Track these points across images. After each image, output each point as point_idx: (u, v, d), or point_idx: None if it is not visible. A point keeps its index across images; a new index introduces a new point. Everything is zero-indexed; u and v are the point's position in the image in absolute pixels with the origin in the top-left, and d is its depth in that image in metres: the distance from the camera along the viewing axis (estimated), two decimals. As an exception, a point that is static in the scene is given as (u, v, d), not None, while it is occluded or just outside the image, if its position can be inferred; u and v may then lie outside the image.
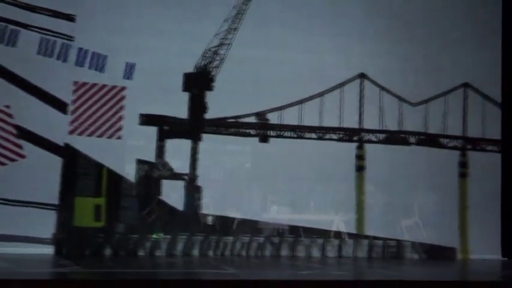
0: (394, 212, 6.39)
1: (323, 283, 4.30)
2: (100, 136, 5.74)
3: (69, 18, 5.73)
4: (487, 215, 6.48)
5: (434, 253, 6.36)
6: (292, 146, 6.31)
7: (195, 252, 5.87)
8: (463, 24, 6.69)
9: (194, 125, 6.08)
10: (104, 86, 5.79)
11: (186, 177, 5.97)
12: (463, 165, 6.63)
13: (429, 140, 6.60)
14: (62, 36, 5.69)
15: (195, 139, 6.05)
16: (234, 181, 6.20)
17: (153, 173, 5.87)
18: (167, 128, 5.99)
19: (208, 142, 6.09)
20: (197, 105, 6.11)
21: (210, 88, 6.15)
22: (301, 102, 6.32)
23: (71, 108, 5.69)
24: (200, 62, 6.13)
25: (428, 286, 4.37)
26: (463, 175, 6.61)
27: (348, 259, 6.09)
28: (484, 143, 6.71)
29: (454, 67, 6.67)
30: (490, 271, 5.61)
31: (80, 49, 5.73)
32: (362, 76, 6.47)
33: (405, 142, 6.56)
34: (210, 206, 6.05)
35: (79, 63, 5.73)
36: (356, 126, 6.47)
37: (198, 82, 6.10)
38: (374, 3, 6.57)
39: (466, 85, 6.72)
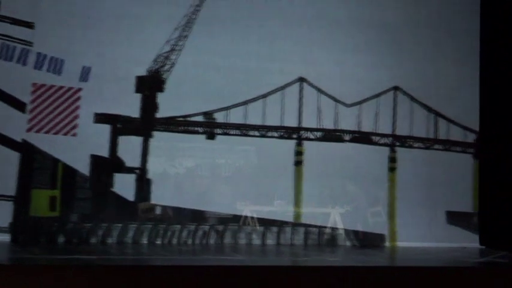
0: (329, 202, 7.02)
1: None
2: (56, 133, 6.28)
3: (29, 25, 6.25)
4: (414, 205, 7.17)
5: (366, 240, 7.02)
6: (237, 143, 6.93)
7: (144, 240, 6.45)
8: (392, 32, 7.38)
9: (145, 124, 6.63)
10: (60, 87, 6.32)
11: (137, 171, 6.53)
12: (393, 160, 7.30)
13: (362, 137, 7.26)
14: (22, 41, 6.21)
15: (146, 136, 6.61)
16: (184, 175, 6.78)
17: (106, 167, 6.41)
18: (120, 126, 6.53)
19: (160, 139, 6.67)
20: (148, 105, 6.67)
21: (161, 90, 6.71)
22: (245, 103, 6.92)
23: (29, 107, 6.22)
24: (152, 67, 6.68)
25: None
26: (392, 169, 7.28)
27: (284, 246, 6.71)
28: (411, 140, 7.39)
29: (385, 72, 7.36)
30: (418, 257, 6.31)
31: (39, 54, 6.25)
32: (301, 80, 7.09)
33: (340, 139, 7.21)
34: (161, 197, 6.62)
35: (38, 66, 6.25)
36: (295, 125, 7.10)
37: (150, 84, 6.67)
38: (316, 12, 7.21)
39: (396, 88, 7.38)
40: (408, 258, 6.46)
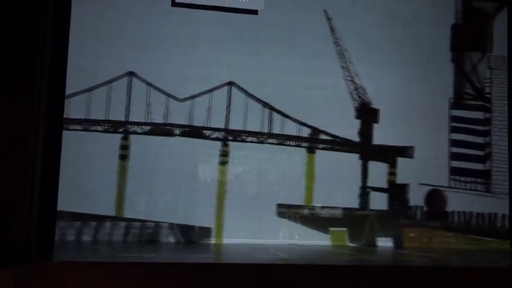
0: (154, 195, 7.10)
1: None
2: None
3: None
4: (245, 199, 7.31)
5: (191, 235, 7.14)
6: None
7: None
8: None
9: None
10: None
11: None
12: (224, 153, 7.39)
13: (193, 131, 7.31)
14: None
15: None
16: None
17: None
18: None
19: None
20: None
21: None
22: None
23: None
24: None
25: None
26: (223, 163, 7.37)
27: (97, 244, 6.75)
28: (244, 134, 7.46)
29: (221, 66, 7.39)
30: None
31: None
32: (130, 74, 7.08)
33: (170, 134, 7.25)
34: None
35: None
36: (122, 119, 7.12)
37: None
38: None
39: (230, 83, 7.41)
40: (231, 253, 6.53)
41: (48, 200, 6.35)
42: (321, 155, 7.57)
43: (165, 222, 7.08)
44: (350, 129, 7.64)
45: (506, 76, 8.03)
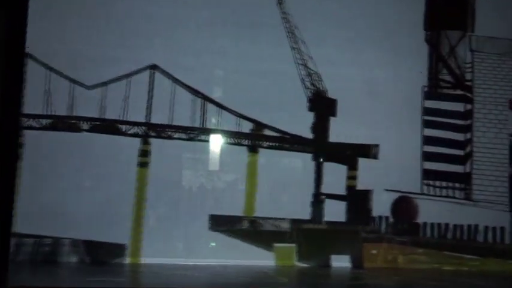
0: (52, 206, 5.76)
1: None
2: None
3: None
4: (167, 211, 5.99)
5: (101, 253, 5.82)
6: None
7: None
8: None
9: None
10: None
11: None
12: (144, 153, 6.05)
13: (105, 126, 5.97)
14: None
15: None
16: None
17: None
18: None
19: None
20: None
21: None
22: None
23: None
24: None
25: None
26: (143, 165, 6.03)
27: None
28: (170, 130, 6.13)
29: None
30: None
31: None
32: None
33: (75, 128, 5.91)
34: None
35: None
36: (16, 111, 5.75)
37: None
38: None
39: (153, 67, 6.07)
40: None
41: None
42: (265, 154, 6.25)
43: (67, 238, 5.75)
44: (301, 124, 6.31)
45: (491, 60, 6.70)
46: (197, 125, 6.16)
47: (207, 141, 6.17)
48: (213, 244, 5.95)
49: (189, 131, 6.14)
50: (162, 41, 6.06)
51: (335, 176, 6.36)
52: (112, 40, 5.96)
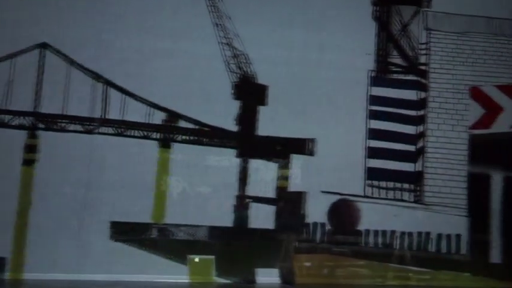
0: None
1: None
2: None
3: None
4: (58, 217, 5.04)
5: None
6: None
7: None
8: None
9: None
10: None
11: None
12: (31, 149, 5.08)
13: (-19, 117, 5.01)
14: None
15: None
16: None
17: None
18: None
19: None
20: None
21: None
22: None
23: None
24: None
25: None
26: (29, 163, 5.06)
27: None
28: (64, 121, 5.14)
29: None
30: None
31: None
32: None
33: None
34: None
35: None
36: None
37: None
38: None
39: (44, 46, 5.08)
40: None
41: None
42: (180, 150, 5.31)
43: None
44: (224, 115, 5.37)
45: (449, 40, 5.78)
46: (97, 115, 5.18)
47: (109, 134, 5.20)
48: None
49: (87, 123, 5.16)
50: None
51: (263, 176, 5.44)
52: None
